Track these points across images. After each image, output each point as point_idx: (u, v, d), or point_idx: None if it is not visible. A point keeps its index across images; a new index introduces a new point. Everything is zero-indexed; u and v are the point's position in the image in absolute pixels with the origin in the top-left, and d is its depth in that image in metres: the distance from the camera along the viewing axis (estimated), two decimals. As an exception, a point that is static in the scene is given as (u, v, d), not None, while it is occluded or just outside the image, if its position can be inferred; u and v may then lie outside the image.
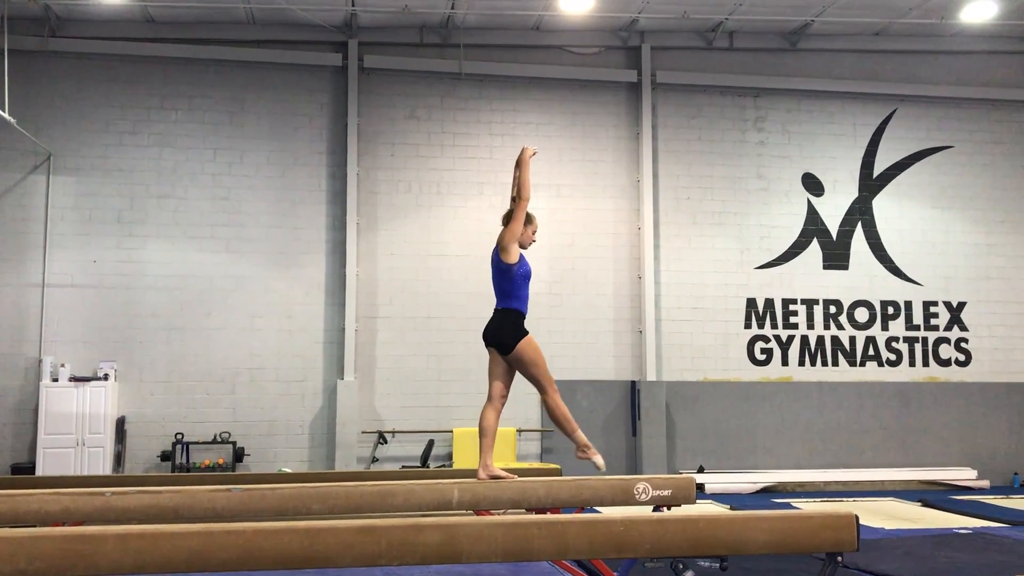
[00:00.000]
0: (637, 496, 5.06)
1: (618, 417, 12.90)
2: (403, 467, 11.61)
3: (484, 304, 12.53)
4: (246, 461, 11.90)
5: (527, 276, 5.70)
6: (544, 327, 12.81)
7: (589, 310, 13.01)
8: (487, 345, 5.61)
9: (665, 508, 5.18)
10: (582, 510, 5.44)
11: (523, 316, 5.59)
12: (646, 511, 5.06)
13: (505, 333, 5.48)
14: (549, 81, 13.30)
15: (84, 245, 12.10)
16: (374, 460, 12.12)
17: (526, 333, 5.51)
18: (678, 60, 13.62)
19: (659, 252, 13.17)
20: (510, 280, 5.57)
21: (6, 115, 10.75)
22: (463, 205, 12.94)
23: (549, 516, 3.83)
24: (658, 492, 5.07)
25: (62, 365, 11.59)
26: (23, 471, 11.10)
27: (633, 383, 12.91)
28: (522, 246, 5.76)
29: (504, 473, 5.37)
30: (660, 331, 13.03)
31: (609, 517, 3.39)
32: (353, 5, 12.10)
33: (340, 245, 12.50)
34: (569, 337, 12.87)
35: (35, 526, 4.18)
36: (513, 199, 5.76)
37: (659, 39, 13.50)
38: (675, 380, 12.97)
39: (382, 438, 12.15)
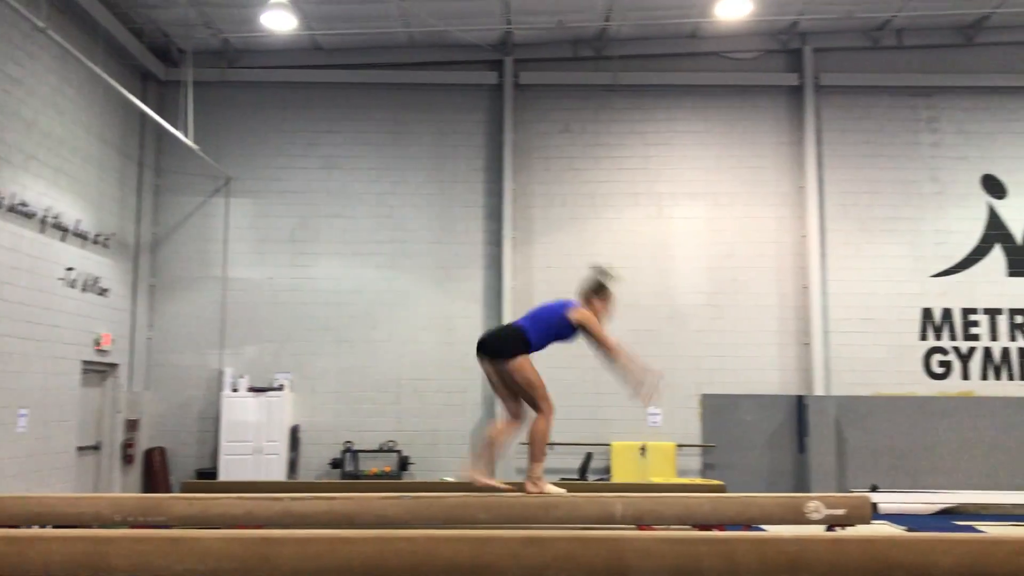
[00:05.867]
0: (808, 515, 4.84)
1: (784, 433, 12.45)
2: (561, 479, 11.58)
3: (640, 316, 12.50)
4: (411, 469, 12.24)
5: (562, 340, 5.34)
6: (703, 339, 12.57)
7: (751, 322, 12.64)
8: (479, 353, 5.22)
9: (838, 528, 4.94)
10: (747, 528, 5.27)
11: (529, 348, 5.17)
12: (817, 531, 4.84)
13: (507, 344, 5.13)
14: (706, 88, 13.07)
15: (260, 263, 12.81)
16: (533, 472, 12.17)
17: (525, 355, 5.12)
18: (842, 61, 13.08)
19: (826, 261, 12.65)
20: (555, 330, 5.22)
21: (190, 142, 11.54)
22: (617, 217, 12.88)
23: (717, 533, 3.73)
24: (831, 511, 4.83)
25: (241, 376, 12.30)
26: (206, 476, 11.83)
27: (800, 398, 12.43)
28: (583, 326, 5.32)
29: (497, 483, 5.06)
30: (828, 343, 12.50)
31: (781, 535, 3.27)
32: (509, 23, 12.30)
33: (496, 259, 12.70)
34: (730, 350, 12.55)
35: (220, 527, 4.44)
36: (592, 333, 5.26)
37: (821, 40, 13.02)
38: (845, 395, 12.39)
39: (541, 450, 12.20)
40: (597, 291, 5.45)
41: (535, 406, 5.17)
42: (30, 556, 3.11)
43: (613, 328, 12.54)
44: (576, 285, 13.31)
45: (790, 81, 12.99)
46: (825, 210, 12.78)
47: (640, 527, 5.00)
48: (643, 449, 12.17)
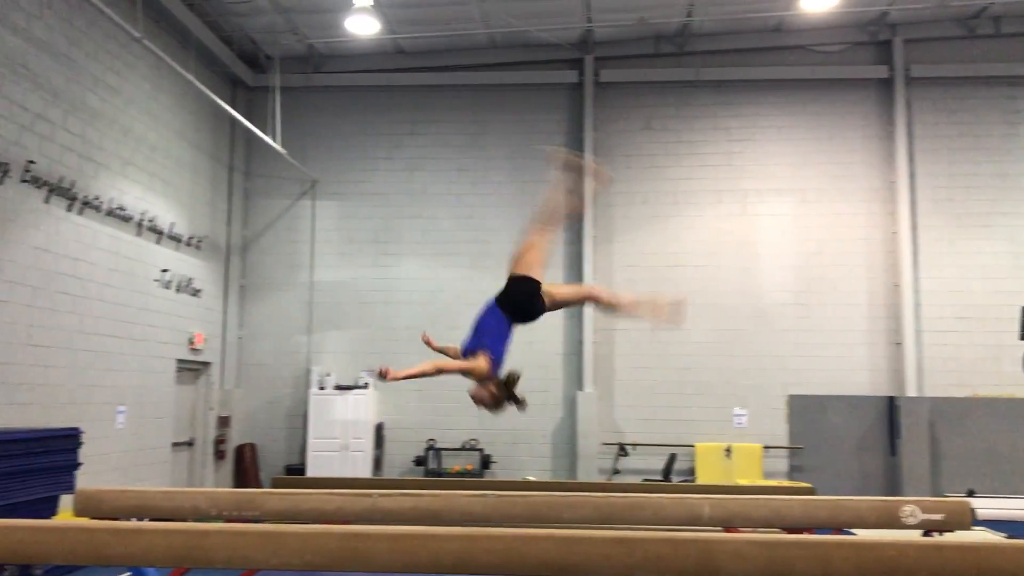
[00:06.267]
0: (903, 519, 4.69)
1: (874, 435, 12.11)
2: (644, 480, 11.52)
3: (724, 316, 12.31)
4: (492, 468, 12.30)
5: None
6: (790, 339, 12.32)
7: (840, 321, 12.33)
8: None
9: (935, 534, 4.77)
10: (839, 533, 5.13)
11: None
12: (914, 536, 4.69)
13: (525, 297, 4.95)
14: (791, 82, 12.80)
15: (345, 263, 13.05)
16: (615, 472, 12.13)
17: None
18: (935, 52, 12.65)
19: (918, 258, 12.26)
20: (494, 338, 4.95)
21: (278, 146, 11.83)
22: (700, 214, 12.71)
23: (811, 536, 3.63)
24: (928, 516, 4.67)
25: (327, 374, 12.55)
26: (294, 472, 12.11)
27: (891, 399, 12.07)
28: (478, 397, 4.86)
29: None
30: (921, 343, 12.11)
31: (877, 540, 3.17)
32: (589, 22, 12.25)
33: (577, 258, 12.66)
34: (818, 350, 12.27)
35: (311, 522, 4.54)
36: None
37: (912, 31, 12.62)
38: (939, 396, 11.98)
39: (623, 450, 12.15)
40: (499, 385, 4.97)
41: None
42: (134, 547, 3.22)
43: (697, 329, 12.33)
44: (659, 285, 13.10)
45: (879, 74, 12.63)
46: (917, 205, 12.38)
47: (727, 529, 4.92)
48: (728, 450, 11.99)
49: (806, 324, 12.36)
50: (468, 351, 4.88)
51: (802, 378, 12.30)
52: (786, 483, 11.29)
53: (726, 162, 12.76)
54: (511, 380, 4.86)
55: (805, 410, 12.23)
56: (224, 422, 12.51)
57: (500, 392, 4.79)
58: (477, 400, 4.83)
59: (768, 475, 12.01)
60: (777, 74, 12.79)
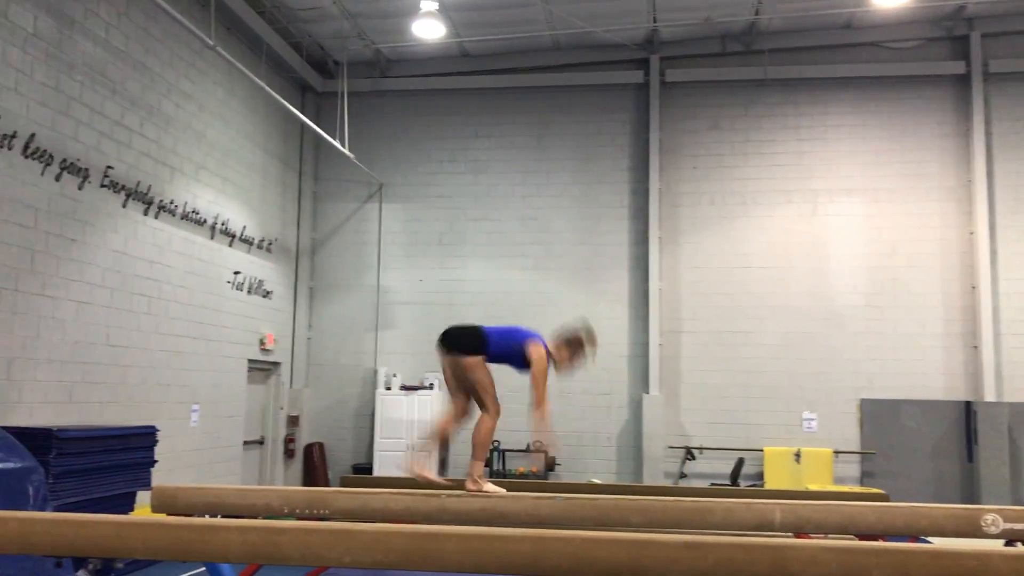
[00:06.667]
0: (985, 528, 4.55)
1: (950, 441, 11.78)
2: (712, 484, 11.39)
3: (794, 318, 12.10)
4: (557, 470, 12.29)
5: (511, 363, 5.23)
6: (862, 342, 12.06)
7: (914, 324, 12.02)
8: (440, 344, 5.22)
9: (1019, 544, 4.62)
10: (914, 541, 5.00)
11: (486, 349, 5.11)
12: (996, 546, 4.55)
13: (465, 339, 5.12)
14: (862, 80, 12.52)
15: (411, 265, 13.19)
16: (682, 476, 12.01)
17: (481, 355, 5.08)
18: (1015, 46, 12.26)
19: (996, 259, 11.88)
20: (517, 355, 5.12)
21: (346, 150, 12.00)
22: (769, 215, 12.51)
23: (887, 544, 3.54)
24: (1011, 525, 4.52)
25: (394, 375, 12.69)
26: (361, 471, 12.27)
27: (968, 404, 11.73)
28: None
29: (437, 479, 5.16)
30: (999, 347, 11.73)
31: (957, 549, 3.08)
32: (655, 21, 12.17)
33: (643, 260, 12.58)
34: (890, 353, 11.98)
35: (380, 521, 4.59)
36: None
37: (991, 25, 12.25)
38: (1019, 401, 11.59)
39: (689, 454, 12.03)
40: (570, 343, 5.34)
41: (482, 405, 5.18)
42: (212, 543, 3.30)
43: (765, 331, 12.20)
44: (726, 287, 12.96)
45: (956, 70, 12.28)
46: (995, 205, 12.01)
47: (799, 535, 4.84)
48: (798, 455, 11.78)
49: (878, 327, 12.08)
50: (517, 354, 5.16)
51: (874, 382, 12.02)
52: (858, 489, 11.05)
53: (796, 162, 12.55)
54: (574, 340, 5.31)
55: (877, 415, 11.95)
56: (293, 421, 12.74)
57: (572, 351, 5.28)
58: (566, 371, 5.35)
59: (838, 480, 11.77)
60: (848, 72, 12.53)
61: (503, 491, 4.95)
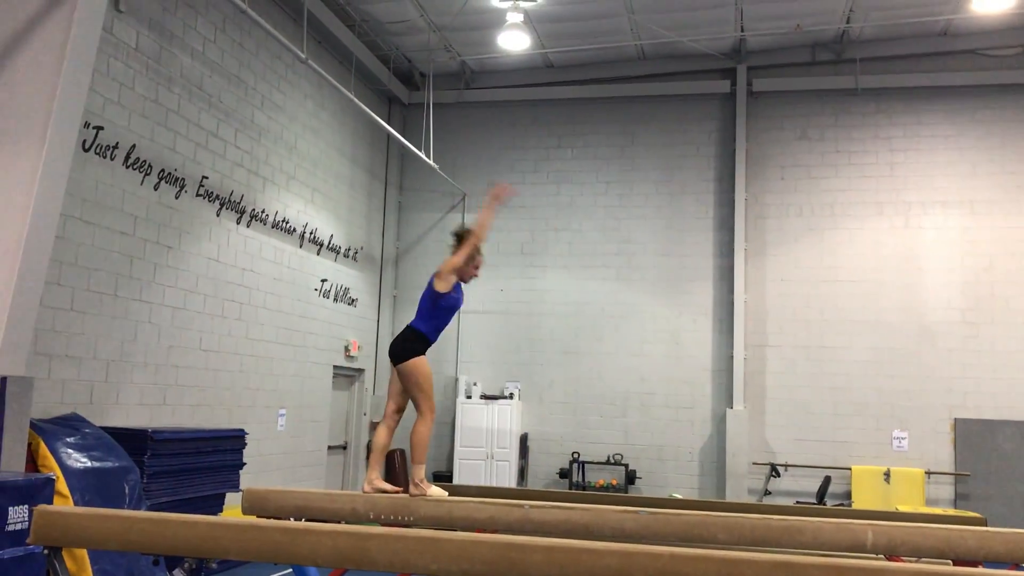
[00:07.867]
0: (1093, 558, 4.34)
1: (1051, 464, 11.26)
2: (797, 502, 11.13)
3: (885, 334, 11.76)
4: (637, 484, 12.18)
5: (452, 309, 5.20)
6: (957, 360, 11.65)
7: (1012, 341, 11.54)
8: (390, 359, 5.21)
9: None
10: (1016, 568, 4.79)
11: (427, 341, 5.09)
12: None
13: (401, 347, 5.07)
14: (958, 89, 12.12)
15: (492, 275, 13.23)
16: (766, 493, 11.77)
17: (421, 355, 5.04)
18: (1124, 51, 11.71)
19: (1103, 275, 11.34)
20: (433, 306, 5.07)
21: (430, 161, 12.15)
22: (859, 227, 12.19)
23: (986, 571, 3.40)
24: (1120, 555, 4.30)
25: (475, 384, 12.76)
26: (442, 479, 12.34)
27: (1070, 426, 11.21)
28: (462, 279, 5.18)
29: (390, 487, 4.96)
30: (1106, 366, 11.18)
31: (1069, 580, 2.94)
32: (742, 31, 12.00)
33: (727, 272, 12.39)
34: (987, 371, 11.53)
35: (463, 530, 4.61)
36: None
37: (1098, 30, 11.73)
38: None
39: (774, 471, 11.77)
40: (458, 237, 5.33)
41: (418, 407, 5.14)
42: (301, 546, 3.37)
43: (854, 346, 11.86)
44: (814, 301, 12.66)
45: (1060, 77, 11.80)
46: (1102, 218, 11.47)
47: (891, 558, 4.68)
48: (887, 475, 11.42)
49: (974, 344, 11.64)
50: (433, 295, 5.20)
51: (969, 401, 11.58)
52: (951, 511, 10.64)
53: (887, 173, 12.21)
54: (459, 234, 5.36)
55: (972, 435, 11.51)
56: (376, 427, 12.90)
57: (461, 245, 5.25)
58: (469, 270, 5.32)
59: (930, 502, 11.36)
60: (943, 80, 12.14)
61: (445, 494, 4.94)
